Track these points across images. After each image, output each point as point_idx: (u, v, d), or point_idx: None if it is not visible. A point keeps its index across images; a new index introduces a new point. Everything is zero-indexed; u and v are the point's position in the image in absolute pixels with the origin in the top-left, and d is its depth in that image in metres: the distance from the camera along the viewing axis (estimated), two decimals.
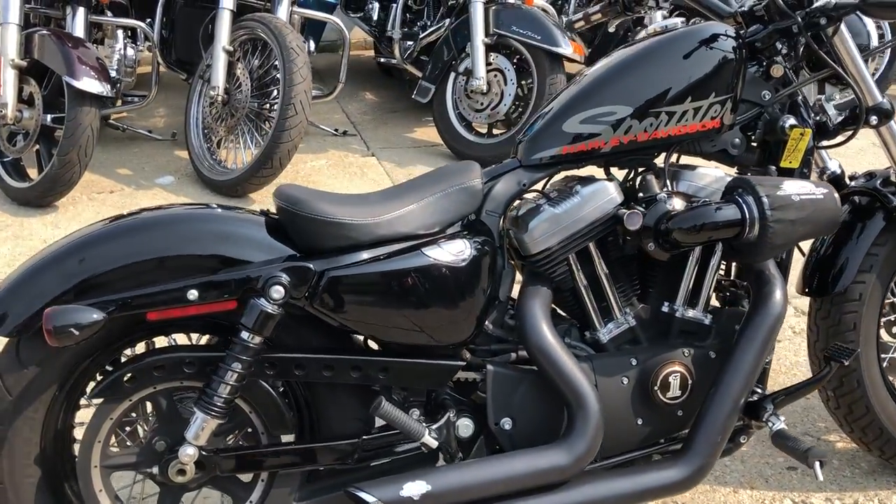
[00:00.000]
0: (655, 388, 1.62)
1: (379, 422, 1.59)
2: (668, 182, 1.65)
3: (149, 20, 4.18)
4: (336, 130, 4.51)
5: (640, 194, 1.65)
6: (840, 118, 1.76)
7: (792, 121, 1.69)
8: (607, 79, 1.64)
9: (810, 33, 1.66)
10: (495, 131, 4.20)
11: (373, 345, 1.63)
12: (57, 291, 1.43)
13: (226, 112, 3.77)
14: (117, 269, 1.45)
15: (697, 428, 1.60)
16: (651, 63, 1.63)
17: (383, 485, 1.47)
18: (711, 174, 1.69)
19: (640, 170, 1.70)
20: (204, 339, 1.63)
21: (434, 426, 1.56)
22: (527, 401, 1.59)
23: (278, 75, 3.54)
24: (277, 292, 1.44)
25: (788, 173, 1.70)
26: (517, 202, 1.63)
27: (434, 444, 1.55)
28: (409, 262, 1.49)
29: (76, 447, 1.55)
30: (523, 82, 4.11)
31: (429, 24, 4.60)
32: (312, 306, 1.48)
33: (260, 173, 3.54)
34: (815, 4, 1.65)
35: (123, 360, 1.57)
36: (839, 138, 1.76)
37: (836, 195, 1.61)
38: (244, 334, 1.46)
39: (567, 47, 3.91)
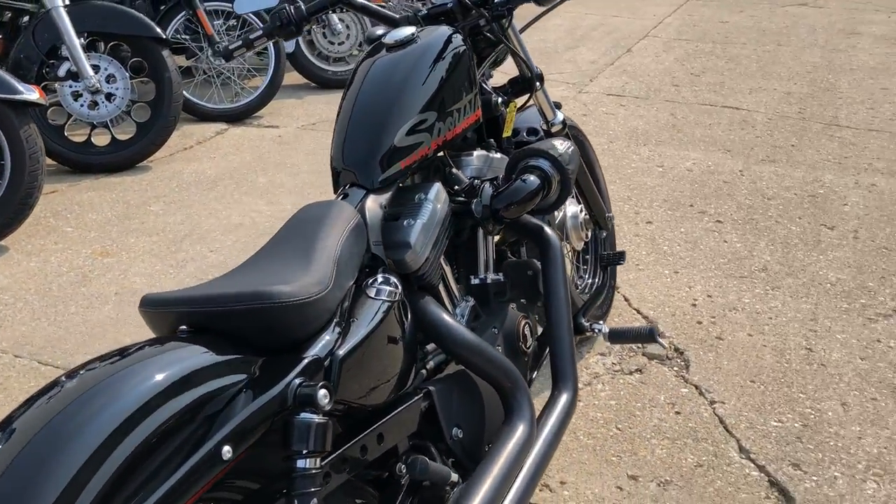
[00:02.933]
0: (519, 342, 1.76)
1: None
2: (466, 171, 1.82)
3: None
4: None
5: (456, 187, 1.77)
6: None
7: (502, 97, 1.94)
8: (404, 89, 1.68)
9: (495, 24, 1.87)
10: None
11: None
12: None
13: None
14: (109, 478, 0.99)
15: (557, 359, 1.75)
16: (429, 68, 1.72)
17: None
18: (480, 154, 1.87)
19: (446, 168, 1.80)
20: None
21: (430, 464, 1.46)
22: (464, 403, 1.60)
23: None
24: (324, 396, 1.18)
25: (499, 142, 1.96)
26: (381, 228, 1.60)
27: (456, 478, 1.50)
28: (379, 316, 1.41)
29: None
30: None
31: None
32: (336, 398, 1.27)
33: None
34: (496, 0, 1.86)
35: None
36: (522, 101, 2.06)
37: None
38: (303, 463, 1.17)
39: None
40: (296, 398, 1.17)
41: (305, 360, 1.23)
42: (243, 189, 3.84)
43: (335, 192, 1.69)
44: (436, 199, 1.66)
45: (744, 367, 2.42)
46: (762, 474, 2.03)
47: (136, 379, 1.08)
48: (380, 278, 1.47)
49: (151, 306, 1.25)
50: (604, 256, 2.02)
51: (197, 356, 1.15)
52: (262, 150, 4.36)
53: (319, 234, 1.43)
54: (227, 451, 1.08)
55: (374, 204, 1.60)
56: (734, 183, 3.76)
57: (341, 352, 1.30)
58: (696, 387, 2.36)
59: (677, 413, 2.26)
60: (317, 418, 1.17)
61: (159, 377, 1.08)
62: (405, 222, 1.60)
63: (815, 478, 2.01)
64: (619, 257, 2.13)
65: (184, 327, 1.22)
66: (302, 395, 1.17)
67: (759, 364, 2.44)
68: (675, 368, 2.43)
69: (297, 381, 1.19)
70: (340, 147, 1.68)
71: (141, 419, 1.03)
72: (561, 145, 1.81)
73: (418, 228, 1.59)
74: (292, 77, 5.39)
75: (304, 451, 1.16)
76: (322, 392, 1.18)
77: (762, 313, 2.69)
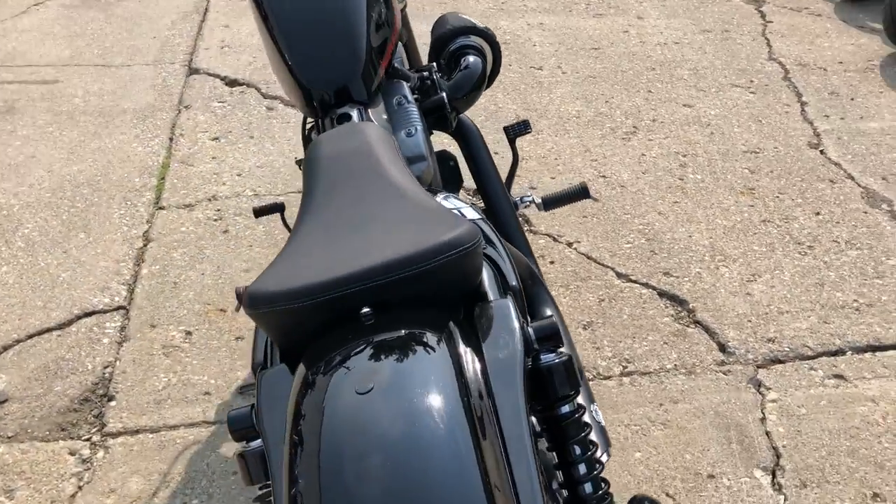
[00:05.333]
0: None
1: None
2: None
3: None
4: None
5: (409, 84, 1.73)
6: None
7: None
8: None
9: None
10: None
11: None
12: None
13: None
14: None
15: (507, 236, 1.78)
16: None
17: None
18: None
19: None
20: None
21: None
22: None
23: None
24: (556, 329, 1.13)
25: None
26: None
27: None
28: None
29: None
30: None
31: None
32: None
33: None
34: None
35: None
36: None
37: None
38: (567, 407, 1.12)
39: None
40: (536, 340, 1.11)
41: (508, 301, 1.16)
42: None
43: (315, 115, 1.53)
44: (412, 99, 1.58)
45: (571, 207, 2.69)
46: (650, 290, 2.36)
47: (434, 376, 0.98)
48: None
49: (289, 300, 1.08)
50: (509, 129, 2.06)
51: (445, 332, 1.05)
52: None
53: (388, 168, 1.31)
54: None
55: (379, 118, 1.51)
56: None
57: (513, 283, 1.25)
58: (549, 235, 2.58)
59: (552, 263, 2.47)
60: (562, 356, 1.11)
61: (444, 364, 0.99)
62: (408, 132, 1.51)
63: (686, 278, 2.40)
64: (525, 126, 2.17)
65: (367, 309, 1.05)
66: (541, 334, 1.11)
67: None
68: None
69: (522, 322, 1.12)
70: (309, 65, 1.50)
71: (464, 410, 0.94)
72: (468, 16, 1.80)
73: (422, 138, 1.53)
74: None
75: (569, 394, 1.11)
76: (553, 324, 1.12)
77: (546, 156, 2.97)
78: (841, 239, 2.53)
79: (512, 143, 1.96)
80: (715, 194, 2.75)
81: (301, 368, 1.09)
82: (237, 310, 1.79)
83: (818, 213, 2.64)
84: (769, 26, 3.81)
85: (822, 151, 2.96)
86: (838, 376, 2.09)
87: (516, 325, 1.12)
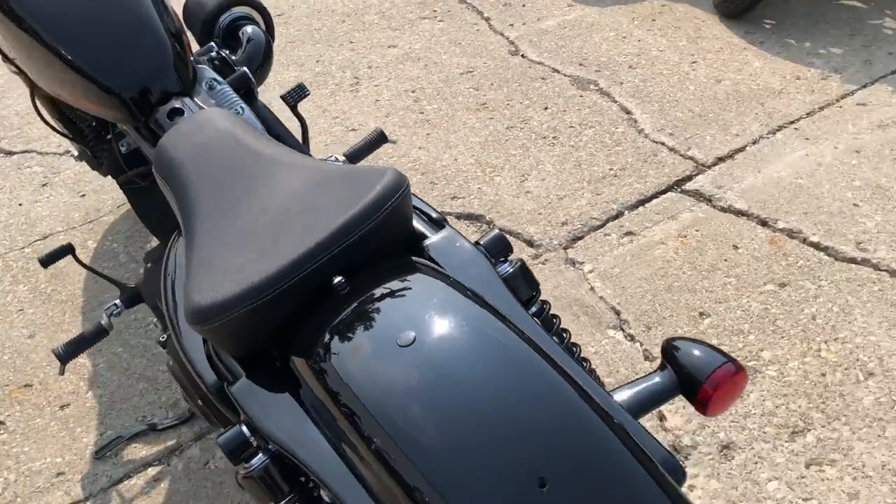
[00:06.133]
0: None
1: None
2: None
3: None
4: None
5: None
6: None
7: None
8: None
9: None
10: None
11: None
12: None
13: None
14: None
15: None
16: None
17: None
18: None
19: None
20: None
21: None
22: None
23: None
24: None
25: None
26: None
27: None
28: None
29: None
30: None
31: None
32: None
33: None
34: None
35: None
36: None
37: None
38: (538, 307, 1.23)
39: None
40: (490, 253, 1.18)
41: (450, 228, 1.22)
42: None
43: (132, 120, 1.45)
44: (222, 80, 1.55)
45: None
46: (447, 216, 2.49)
47: (451, 307, 1.01)
48: None
49: (250, 299, 1.04)
50: (287, 96, 2.01)
51: (428, 279, 1.07)
52: None
53: (263, 148, 1.28)
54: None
55: (207, 104, 1.50)
56: None
57: (435, 214, 1.30)
58: None
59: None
60: (517, 263, 1.20)
61: (449, 294, 1.03)
62: (235, 112, 1.51)
63: (472, 196, 2.56)
64: (301, 90, 2.10)
65: (339, 278, 1.06)
66: (494, 247, 1.19)
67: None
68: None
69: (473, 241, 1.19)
70: (115, 68, 1.41)
71: (503, 324, 0.99)
72: None
73: (251, 114, 1.52)
74: None
75: (533, 295, 1.21)
76: (501, 235, 1.21)
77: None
78: (574, 123, 2.85)
79: (294, 109, 1.94)
80: (457, 117, 2.93)
81: (300, 361, 1.05)
82: (62, 372, 1.62)
83: (546, 108, 2.94)
84: None
85: (523, 56, 3.26)
86: (628, 233, 2.39)
87: (470, 245, 1.18)
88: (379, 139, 2.11)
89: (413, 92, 3.09)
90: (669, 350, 1.07)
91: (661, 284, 2.21)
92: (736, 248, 2.29)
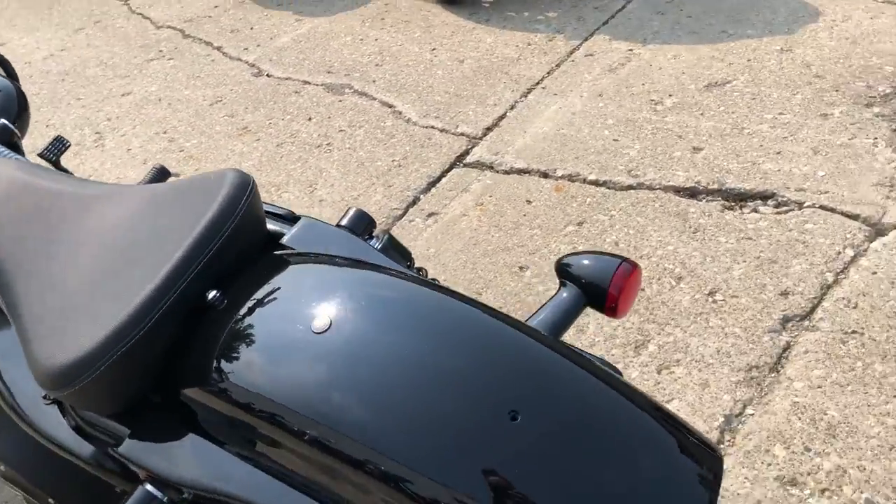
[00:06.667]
0: None
1: None
2: None
3: None
4: None
5: None
6: None
7: None
8: None
9: None
10: None
11: None
12: None
13: None
14: None
15: None
16: None
17: None
18: None
19: None
20: None
21: None
22: None
23: None
24: None
25: None
26: None
27: None
28: None
29: None
30: None
31: None
32: None
33: None
34: None
35: None
36: None
37: None
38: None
39: None
40: (357, 232, 1.18)
41: (304, 217, 1.20)
42: None
43: None
44: None
45: None
46: None
47: (345, 291, 0.97)
48: None
49: (116, 343, 0.95)
50: (45, 153, 1.81)
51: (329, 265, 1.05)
52: None
53: (65, 187, 1.19)
54: None
55: None
56: None
57: (282, 211, 1.29)
58: None
59: None
60: (385, 234, 1.20)
61: (345, 277, 1.01)
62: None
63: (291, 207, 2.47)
64: (60, 142, 1.87)
65: (214, 293, 1.00)
66: (359, 226, 1.18)
67: None
68: None
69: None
70: None
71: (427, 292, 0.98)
72: None
73: (27, 160, 1.39)
74: None
75: (409, 263, 1.22)
76: (362, 212, 1.21)
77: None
78: (344, 127, 2.86)
79: (57, 164, 1.78)
80: (220, 147, 2.82)
81: (194, 391, 0.96)
82: None
83: (311, 119, 2.92)
84: (131, 3, 3.86)
85: (268, 75, 3.22)
86: (431, 214, 2.44)
87: (334, 228, 1.14)
88: (161, 176, 1.97)
89: (165, 133, 2.93)
90: (563, 269, 1.11)
91: (476, 252, 2.28)
92: (529, 202, 2.42)
